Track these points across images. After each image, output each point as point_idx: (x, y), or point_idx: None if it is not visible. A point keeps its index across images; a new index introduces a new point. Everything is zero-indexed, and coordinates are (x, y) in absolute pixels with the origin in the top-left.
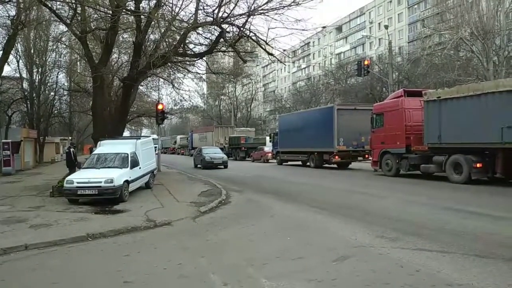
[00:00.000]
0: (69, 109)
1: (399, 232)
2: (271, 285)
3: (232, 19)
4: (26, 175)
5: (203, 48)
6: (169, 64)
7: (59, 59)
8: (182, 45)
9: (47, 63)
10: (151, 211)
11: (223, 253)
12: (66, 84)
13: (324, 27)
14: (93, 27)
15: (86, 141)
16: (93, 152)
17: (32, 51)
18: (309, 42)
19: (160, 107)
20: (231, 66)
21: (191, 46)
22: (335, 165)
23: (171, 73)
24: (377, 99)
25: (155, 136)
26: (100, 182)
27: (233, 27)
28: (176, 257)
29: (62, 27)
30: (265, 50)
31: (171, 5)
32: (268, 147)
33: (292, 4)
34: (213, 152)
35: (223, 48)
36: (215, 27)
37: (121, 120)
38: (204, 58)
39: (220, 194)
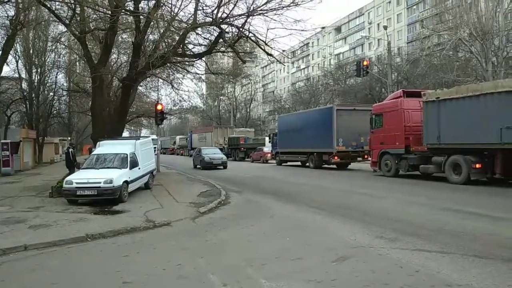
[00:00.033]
0: (68, 109)
1: (398, 232)
2: (270, 285)
3: (231, 19)
4: (25, 176)
5: (202, 49)
6: (168, 64)
7: (58, 59)
8: (181, 46)
9: (46, 64)
10: (150, 211)
11: (222, 254)
12: (65, 84)
13: (323, 27)
14: (92, 28)
15: (85, 141)
16: (92, 153)
17: (31, 51)
18: (308, 43)
19: (159, 107)
20: (230, 66)
21: (190, 46)
22: (334, 166)
23: (171, 73)
24: (376, 100)
25: (154, 136)
26: (100, 182)
27: (232, 27)
28: (175, 257)
29: (61, 27)
30: (264, 50)
31: (170, 5)
32: (267, 148)
33: (291, 4)
34: (212, 153)
35: (222, 49)
36: (214, 27)
37: (120, 121)
38: (203, 59)
39: (220, 195)
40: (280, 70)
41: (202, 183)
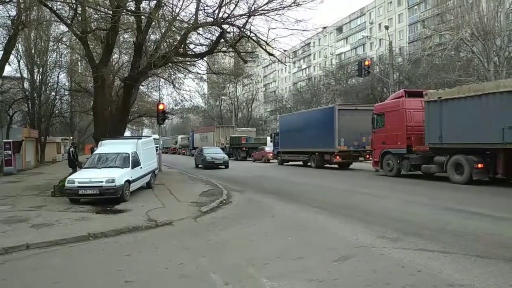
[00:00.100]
0: (70, 109)
1: (400, 232)
2: (272, 285)
3: (233, 19)
4: (27, 175)
5: (203, 49)
6: (170, 64)
7: (60, 59)
8: (182, 46)
9: (48, 63)
10: (152, 211)
11: (224, 253)
12: (67, 84)
13: (324, 27)
14: (93, 27)
15: (87, 141)
16: (94, 152)
17: (33, 51)
18: (310, 43)
19: (161, 107)
20: (232, 66)
21: (191, 46)
22: (336, 165)
23: (172, 73)
24: (378, 100)
25: (156, 136)
26: (102, 182)
27: (234, 27)
28: (177, 257)
29: (63, 27)
30: (265, 50)
31: (171, 5)
32: (269, 147)
33: (293, 4)
34: (214, 152)
35: (224, 49)
36: (216, 27)
37: (122, 120)
38: (205, 59)
39: (221, 194)
40: (282, 70)
41: (204, 182)
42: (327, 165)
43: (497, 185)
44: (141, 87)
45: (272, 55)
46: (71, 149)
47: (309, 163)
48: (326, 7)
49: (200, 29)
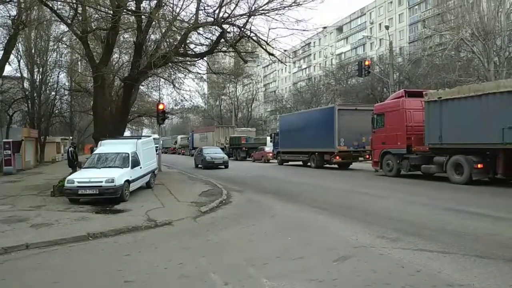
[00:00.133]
0: (70, 108)
1: (400, 232)
2: (271, 285)
3: (233, 19)
4: (27, 175)
5: (203, 48)
6: (170, 64)
7: (60, 59)
8: (183, 45)
9: (48, 63)
10: (152, 210)
11: (224, 253)
12: (67, 84)
13: (324, 27)
14: (94, 27)
15: (87, 140)
16: (94, 152)
17: (33, 51)
18: (310, 43)
19: (161, 107)
20: (232, 66)
21: (192, 46)
22: (336, 166)
23: (172, 73)
24: (378, 100)
25: (156, 135)
26: (101, 181)
27: (234, 27)
28: (176, 256)
29: (63, 27)
30: (265, 50)
31: (171, 5)
32: (268, 147)
33: (293, 4)
34: (213, 152)
35: (224, 48)
36: (216, 27)
37: (122, 120)
38: (205, 58)
39: (221, 194)
40: (282, 70)
41: (204, 182)
42: (327, 165)
43: (496, 185)
44: (141, 87)
45: (272, 55)
46: (70, 149)
47: (309, 163)
48: (327, 7)
49: (200, 29)
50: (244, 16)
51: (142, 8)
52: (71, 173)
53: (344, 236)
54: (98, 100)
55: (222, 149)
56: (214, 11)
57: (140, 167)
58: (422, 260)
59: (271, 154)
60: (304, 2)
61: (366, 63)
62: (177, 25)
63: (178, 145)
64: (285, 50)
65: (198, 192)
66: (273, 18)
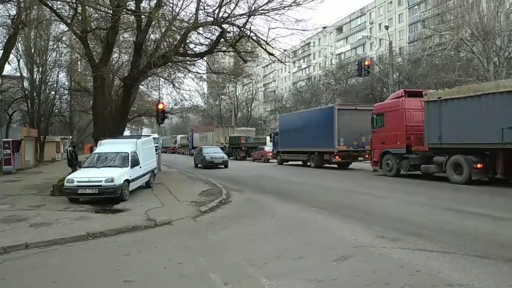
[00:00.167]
0: (69, 108)
1: (399, 232)
2: (271, 284)
3: (233, 19)
4: (26, 174)
5: (203, 48)
6: (170, 63)
7: (60, 58)
8: (182, 45)
9: (48, 63)
10: (151, 210)
11: (224, 253)
12: (66, 83)
13: (324, 27)
14: (93, 27)
15: (87, 140)
16: (94, 151)
17: (32, 50)
18: (310, 42)
19: (160, 106)
20: (232, 66)
21: (191, 46)
22: (335, 165)
23: (172, 72)
24: (377, 99)
25: (155, 135)
26: (101, 181)
27: (234, 27)
28: (176, 256)
29: (63, 27)
30: (265, 50)
31: (171, 5)
32: (268, 147)
33: (293, 4)
34: (213, 152)
35: (224, 48)
36: (216, 27)
37: (122, 120)
38: (205, 58)
39: (221, 194)
40: (282, 69)
41: (203, 182)
42: (327, 165)
43: (496, 185)
44: (141, 87)
45: (272, 54)
46: (69, 149)
47: (308, 163)
48: (326, 7)
49: (200, 28)
50: (244, 16)
51: (141, 8)
52: (70, 173)
53: (343, 236)
54: (98, 100)
55: (222, 148)
56: (214, 10)
57: (140, 167)
58: (422, 260)
59: (270, 154)
60: (304, 2)
61: (366, 63)
62: (177, 24)
63: (177, 144)
64: (284, 50)
65: (197, 191)
66: (272, 18)
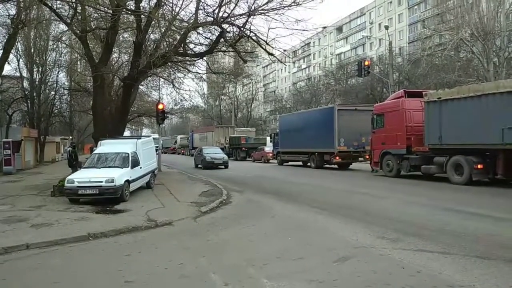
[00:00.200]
0: (69, 108)
1: (400, 233)
2: (271, 285)
3: (233, 19)
4: (26, 175)
5: (203, 48)
6: (170, 63)
7: (60, 58)
8: (182, 45)
9: (48, 62)
10: (152, 211)
11: (224, 253)
12: (66, 83)
13: (324, 27)
14: (93, 27)
15: (87, 140)
16: (94, 152)
17: (32, 50)
18: (310, 43)
19: (160, 106)
20: (232, 66)
21: (191, 46)
22: (335, 166)
23: (172, 72)
24: (377, 100)
25: (155, 135)
26: (101, 181)
27: (234, 27)
28: (177, 257)
29: (62, 26)
30: (265, 50)
31: (171, 4)
32: (268, 147)
33: (293, 4)
34: (213, 152)
35: (224, 48)
36: (216, 27)
37: (122, 120)
38: (205, 58)
39: (221, 194)
40: (281, 69)
41: (204, 182)
42: (327, 166)
43: (497, 185)
44: (141, 87)
45: (272, 54)
46: (69, 149)
47: (308, 164)
48: (326, 7)
49: (200, 28)
50: (244, 16)
51: (141, 8)
52: (71, 173)
53: (344, 237)
54: (98, 100)
55: (222, 149)
56: (214, 10)
57: (140, 167)
58: (423, 261)
59: (271, 154)
60: (303, 2)
61: (366, 63)
62: (177, 24)
63: (178, 145)
64: (284, 50)
65: (198, 192)
66: (272, 18)
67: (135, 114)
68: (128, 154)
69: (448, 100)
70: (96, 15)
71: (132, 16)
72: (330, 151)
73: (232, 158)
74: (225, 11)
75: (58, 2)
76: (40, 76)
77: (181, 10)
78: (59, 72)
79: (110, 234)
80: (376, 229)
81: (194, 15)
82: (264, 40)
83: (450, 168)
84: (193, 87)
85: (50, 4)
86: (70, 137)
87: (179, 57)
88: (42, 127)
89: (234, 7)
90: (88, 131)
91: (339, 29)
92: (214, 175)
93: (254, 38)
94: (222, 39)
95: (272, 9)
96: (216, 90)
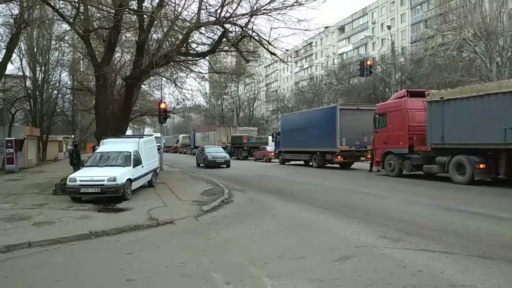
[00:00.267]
0: (72, 107)
1: (401, 232)
2: (273, 284)
3: (235, 19)
4: (29, 173)
5: (205, 48)
6: (172, 63)
7: (62, 57)
8: (184, 45)
9: (50, 62)
10: (153, 209)
11: (225, 252)
12: (69, 82)
13: (326, 27)
14: (96, 26)
15: (89, 139)
16: (96, 151)
17: (35, 49)
18: (312, 42)
19: (162, 106)
20: (234, 65)
21: (193, 45)
22: (337, 165)
23: (174, 72)
24: (380, 99)
25: (158, 134)
26: (103, 180)
27: (236, 26)
28: (178, 255)
29: (65, 26)
30: (267, 50)
31: (174, 4)
32: (270, 147)
33: (295, 4)
34: (215, 151)
35: (226, 48)
36: (218, 26)
37: (124, 119)
38: (207, 58)
39: (223, 193)
40: (284, 69)
41: (205, 181)
42: (329, 165)
43: (499, 185)
44: (143, 86)
45: (274, 54)
46: (70, 148)
47: (310, 163)
48: (329, 6)
49: (202, 28)
50: (246, 16)
51: (144, 8)
52: (73, 172)
53: (345, 236)
54: (100, 99)
55: (224, 148)
56: (216, 10)
57: (142, 166)
58: (424, 260)
59: (272, 154)
60: (306, 2)
61: (368, 63)
62: (179, 24)
63: (180, 144)
64: (287, 50)
65: (200, 191)
66: (275, 18)
67: (138, 113)
68: (130, 153)
69: (450, 100)
70: (98, 14)
71: (135, 16)
72: (332, 150)
73: (234, 157)
74: (227, 11)
75: (61, 2)
76: (42, 75)
77: (183, 10)
78: (62, 72)
79: (112, 232)
80: (378, 228)
81: (196, 15)
82: (266, 40)
83: (452, 168)
84: (195, 86)
85: (53, 4)
86: (73, 136)
87: (182, 57)
88: (45, 126)
89: (237, 7)
90: (91, 130)
91: (342, 29)
92: (216, 174)
93: (256, 37)
94: (224, 39)
95: (275, 9)
96: (218, 89)
